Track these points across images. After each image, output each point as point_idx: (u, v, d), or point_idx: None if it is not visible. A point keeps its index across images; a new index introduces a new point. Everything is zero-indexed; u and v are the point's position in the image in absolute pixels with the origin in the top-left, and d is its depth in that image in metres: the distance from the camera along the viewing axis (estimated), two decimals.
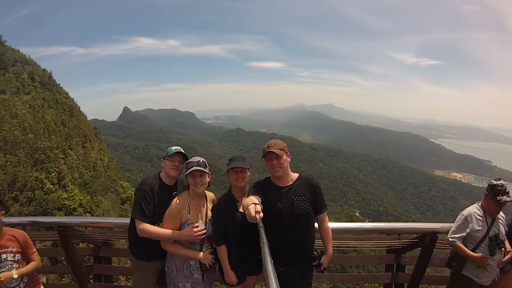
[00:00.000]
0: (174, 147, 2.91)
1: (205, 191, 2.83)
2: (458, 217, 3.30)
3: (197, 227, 2.60)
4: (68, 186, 40.50)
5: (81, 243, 4.81)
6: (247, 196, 2.56)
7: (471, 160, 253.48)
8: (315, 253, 2.71)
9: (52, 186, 38.73)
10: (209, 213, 2.74)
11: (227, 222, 2.60)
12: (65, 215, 31.55)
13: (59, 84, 66.76)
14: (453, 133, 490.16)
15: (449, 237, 3.25)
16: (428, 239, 3.47)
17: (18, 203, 34.40)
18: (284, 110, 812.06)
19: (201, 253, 2.67)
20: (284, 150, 2.64)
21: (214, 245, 2.71)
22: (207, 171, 2.67)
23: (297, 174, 2.78)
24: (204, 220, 2.71)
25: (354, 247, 4.01)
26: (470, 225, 3.18)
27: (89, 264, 4.87)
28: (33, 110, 49.75)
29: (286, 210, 2.59)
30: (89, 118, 79.75)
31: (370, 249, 4.23)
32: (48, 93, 58.15)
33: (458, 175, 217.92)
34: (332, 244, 2.92)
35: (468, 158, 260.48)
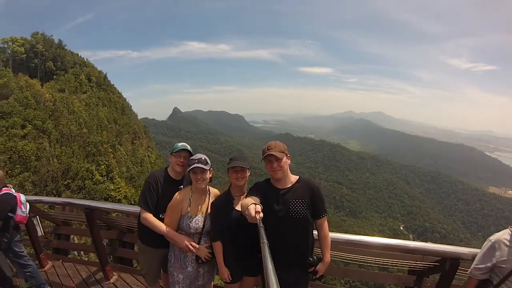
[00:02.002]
0: (180, 144, 3.01)
1: (210, 187, 2.91)
2: (485, 243, 2.68)
3: (194, 244, 2.71)
4: (115, 179, 42.96)
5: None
6: (246, 196, 2.57)
7: None
8: (311, 259, 2.60)
9: (101, 177, 41.36)
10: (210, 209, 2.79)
11: (222, 219, 2.62)
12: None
13: (113, 84, 71.21)
14: None
15: (471, 268, 2.65)
16: (448, 265, 3.01)
17: (70, 190, 37.29)
18: (333, 117, 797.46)
19: (197, 245, 2.72)
20: (284, 152, 2.58)
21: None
22: (208, 168, 2.73)
23: (297, 177, 2.70)
24: (203, 215, 2.77)
25: (373, 263, 3.67)
26: (497, 254, 2.53)
27: (114, 246, 5.29)
28: (89, 107, 53.57)
29: (283, 212, 2.52)
30: (140, 117, 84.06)
31: (390, 267, 3.87)
32: (102, 93, 62.39)
33: None
34: (351, 258, 2.92)
35: None
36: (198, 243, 2.73)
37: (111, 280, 4.42)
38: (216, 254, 2.65)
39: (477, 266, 2.59)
